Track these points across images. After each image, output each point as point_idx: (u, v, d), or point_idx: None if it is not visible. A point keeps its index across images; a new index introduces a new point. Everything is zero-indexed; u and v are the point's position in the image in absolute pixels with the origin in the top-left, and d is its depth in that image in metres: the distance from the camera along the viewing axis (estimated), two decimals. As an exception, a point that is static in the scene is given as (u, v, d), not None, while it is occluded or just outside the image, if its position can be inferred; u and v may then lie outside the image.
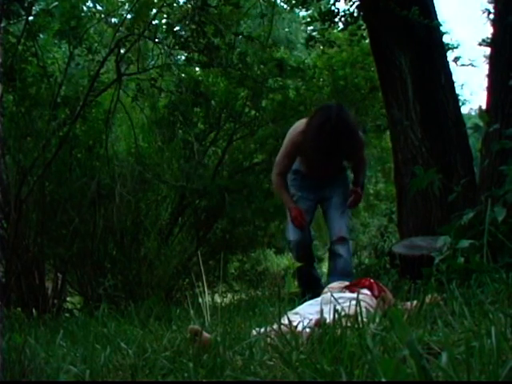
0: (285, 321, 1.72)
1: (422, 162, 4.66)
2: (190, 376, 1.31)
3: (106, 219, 5.42)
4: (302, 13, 9.17)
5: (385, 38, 5.08)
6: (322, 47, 7.06)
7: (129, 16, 5.96)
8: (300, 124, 3.68)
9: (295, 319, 1.78)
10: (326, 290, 2.45)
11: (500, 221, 2.90)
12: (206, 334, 1.64)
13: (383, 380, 0.96)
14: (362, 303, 1.67)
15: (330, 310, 1.60)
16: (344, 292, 2.31)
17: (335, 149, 3.39)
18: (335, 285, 2.52)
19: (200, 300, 2.44)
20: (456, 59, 9.42)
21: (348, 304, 1.70)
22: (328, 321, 1.54)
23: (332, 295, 2.03)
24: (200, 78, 6.74)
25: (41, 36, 5.79)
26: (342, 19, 6.10)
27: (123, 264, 5.32)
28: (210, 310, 2.43)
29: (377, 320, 1.58)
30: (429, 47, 4.99)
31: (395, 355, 1.07)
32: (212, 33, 5.75)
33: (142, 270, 5.24)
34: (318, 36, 6.89)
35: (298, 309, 2.15)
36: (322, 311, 1.64)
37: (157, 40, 5.97)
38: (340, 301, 1.91)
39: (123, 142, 6.54)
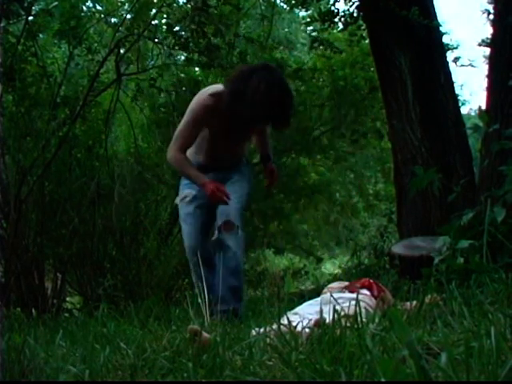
0: (284, 321, 1.72)
1: (421, 162, 4.65)
2: (190, 376, 1.31)
3: (105, 219, 5.42)
4: (302, 13, 9.18)
5: (385, 38, 5.08)
6: (324, 49, 7.03)
7: (129, 16, 5.97)
8: (210, 88, 3.15)
9: (295, 319, 1.78)
10: (325, 290, 2.45)
11: (499, 221, 2.90)
12: (205, 334, 1.64)
13: (382, 380, 0.96)
14: (362, 303, 1.67)
15: (329, 310, 1.61)
16: (343, 292, 2.31)
17: (279, 114, 2.99)
18: (335, 285, 2.53)
19: (199, 300, 2.44)
20: (456, 59, 9.43)
21: (347, 304, 1.70)
22: (327, 321, 1.54)
23: (331, 295, 2.03)
24: (200, 78, 6.74)
25: (40, 36, 5.80)
26: (342, 19, 6.09)
27: (123, 264, 5.32)
28: (210, 310, 2.43)
29: (376, 320, 1.58)
30: (429, 47, 4.99)
31: (395, 355, 1.07)
32: (212, 33, 5.75)
33: (142, 270, 5.23)
34: (319, 36, 6.88)
35: (298, 309, 2.15)
36: (321, 311, 1.64)
37: (156, 40, 5.98)
38: (339, 301, 1.91)
39: (123, 142, 6.54)
